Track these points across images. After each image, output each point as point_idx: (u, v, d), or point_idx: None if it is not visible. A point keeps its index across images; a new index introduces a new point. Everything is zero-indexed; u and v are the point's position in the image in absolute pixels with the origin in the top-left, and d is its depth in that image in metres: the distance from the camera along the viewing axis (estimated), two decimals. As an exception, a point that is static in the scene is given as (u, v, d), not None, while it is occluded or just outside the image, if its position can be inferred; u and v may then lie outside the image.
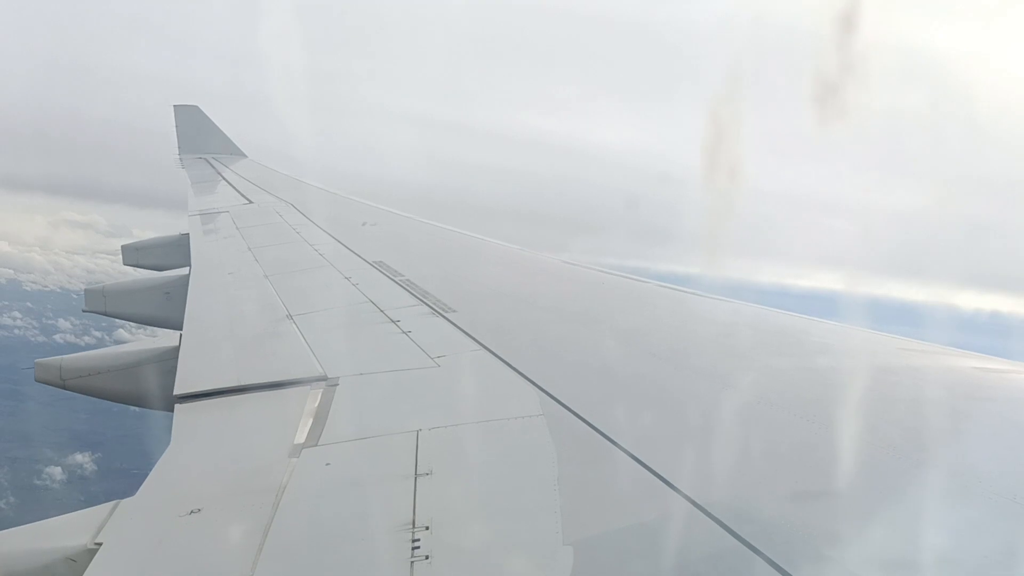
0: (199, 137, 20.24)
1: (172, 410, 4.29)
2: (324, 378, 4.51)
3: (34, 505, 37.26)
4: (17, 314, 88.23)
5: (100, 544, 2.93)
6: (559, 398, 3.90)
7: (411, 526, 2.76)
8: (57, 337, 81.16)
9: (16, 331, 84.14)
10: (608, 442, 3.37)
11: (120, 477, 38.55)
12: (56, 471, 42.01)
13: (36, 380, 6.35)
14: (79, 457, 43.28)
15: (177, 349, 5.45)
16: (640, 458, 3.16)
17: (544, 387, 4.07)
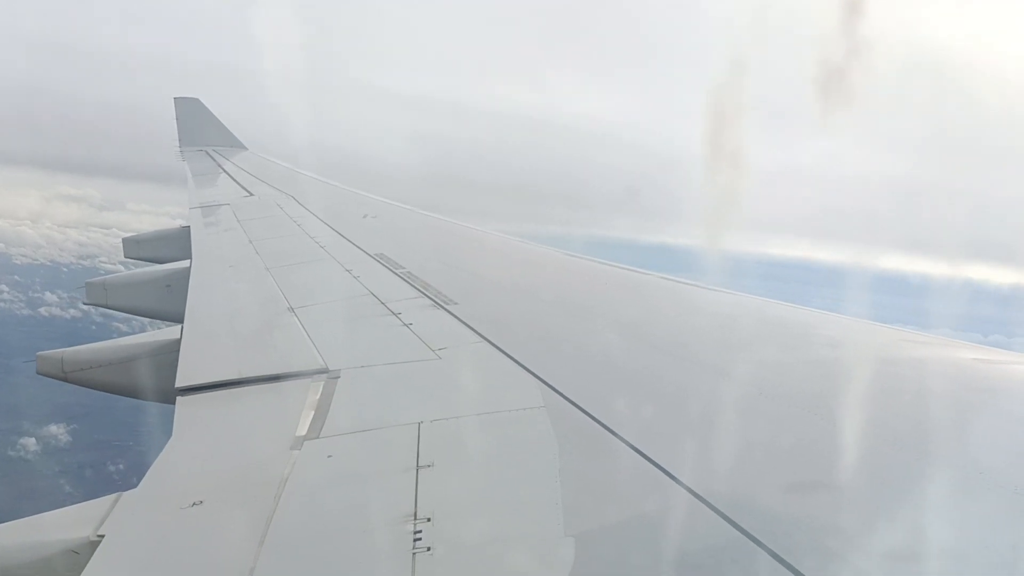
0: (199, 130, 20.21)
1: (174, 403, 4.30)
2: (325, 370, 4.51)
3: (12, 475, 37.50)
4: (4, 287, 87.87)
5: (102, 536, 2.93)
6: (561, 390, 3.90)
7: (413, 518, 2.76)
8: (42, 310, 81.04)
9: (1, 304, 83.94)
10: (610, 434, 3.37)
11: (99, 448, 38.69)
12: (30, 442, 42.15)
13: (37, 373, 6.36)
14: (53, 428, 43.37)
15: (178, 342, 5.46)
16: (642, 450, 3.16)
17: (545, 379, 4.07)
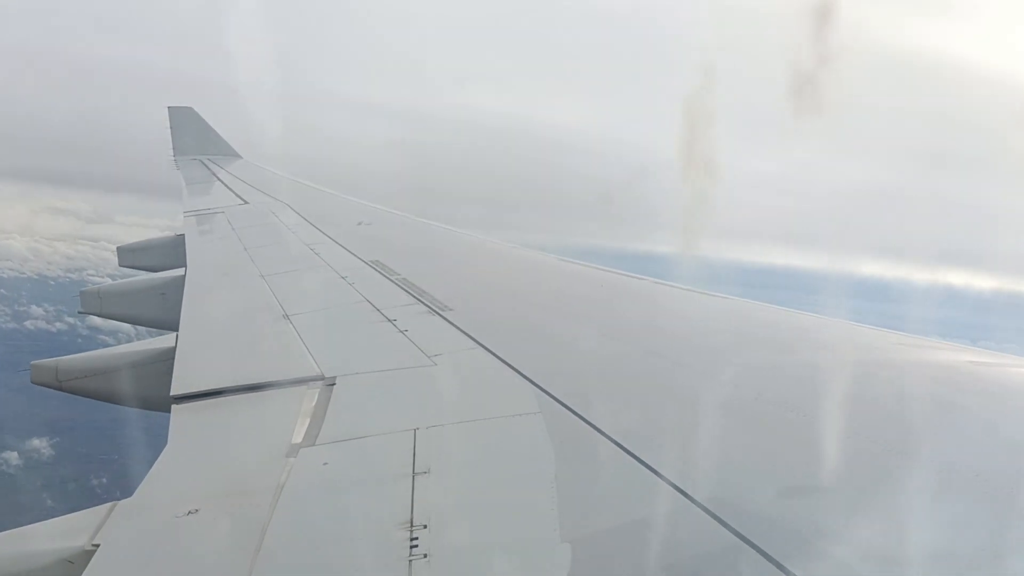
0: (194, 139, 20.21)
1: (168, 411, 4.28)
2: (321, 377, 4.50)
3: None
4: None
5: (98, 545, 2.92)
6: (556, 396, 3.90)
7: (409, 525, 2.76)
8: (28, 324, 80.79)
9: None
10: (606, 439, 3.37)
11: (82, 462, 38.57)
12: (13, 456, 41.96)
13: (32, 382, 6.34)
14: (36, 442, 43.19)
15: (173, 350, 5.44)
16: (638, 455, 3.16)
17: (541, 385, 4.07)
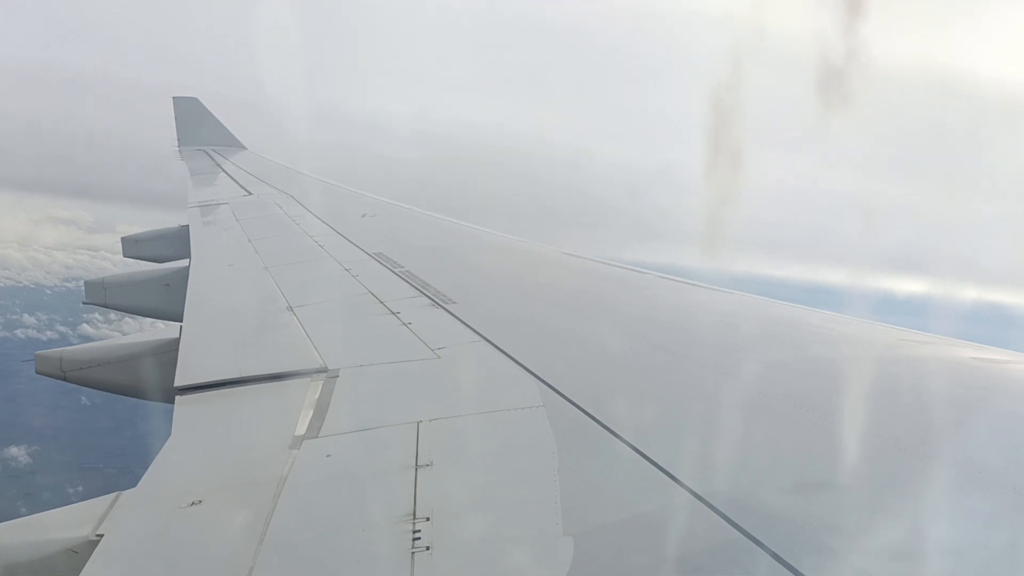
0: (198, 129, 20.23)
1: (172, 402, 4.29)
2: (324, 370, 4.51)
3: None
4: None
5: (101, 535, 2.93)
6: (560, 389, 3.90)
7: (412, 517, 2.76)
8: (18, 332, 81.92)
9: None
10: (609, 433, 3.37)
11: (58, 471, 38.63)
12: None
13: (37, 372, 6.36)
14: (14, 450, 43.28)
15: (177, 341, 5.45)
16: (641, 449, 3.16)
17: (545, 378, 4.07)
